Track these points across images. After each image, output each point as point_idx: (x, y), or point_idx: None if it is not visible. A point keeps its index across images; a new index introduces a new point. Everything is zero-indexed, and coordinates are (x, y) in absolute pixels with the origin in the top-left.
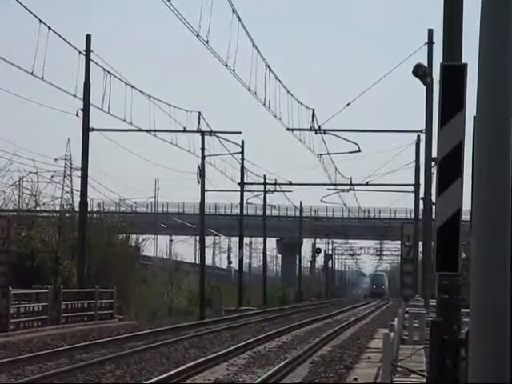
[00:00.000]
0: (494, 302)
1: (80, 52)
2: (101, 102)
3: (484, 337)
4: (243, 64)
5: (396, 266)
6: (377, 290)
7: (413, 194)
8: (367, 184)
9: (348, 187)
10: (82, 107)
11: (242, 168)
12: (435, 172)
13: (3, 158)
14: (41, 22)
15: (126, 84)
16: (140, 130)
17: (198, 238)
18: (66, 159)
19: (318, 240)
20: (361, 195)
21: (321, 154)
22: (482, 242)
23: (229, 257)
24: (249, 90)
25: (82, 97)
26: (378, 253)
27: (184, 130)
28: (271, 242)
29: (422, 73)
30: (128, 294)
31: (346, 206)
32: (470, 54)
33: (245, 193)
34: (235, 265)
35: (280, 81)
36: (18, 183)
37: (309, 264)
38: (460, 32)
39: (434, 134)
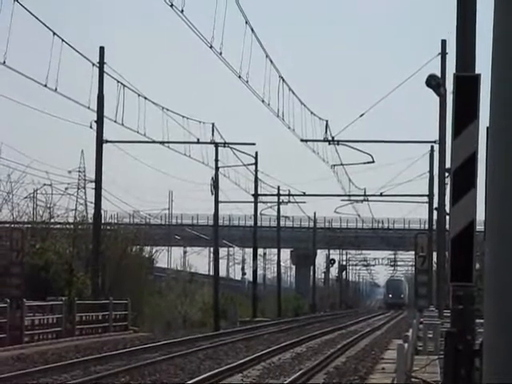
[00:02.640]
0: (509, 313)
1: (93, 64)
2: (114, 114)
3: (499, 347)
4: (256, 75)
5: (410, 277)
6: (394, 299)
7: (427, 205)
8: (381, 195)
9: (362, 198)
10: (95, 119)
11: (256, 179)
12: (449, 182)
13: (17, 171)
14: (54, 34)
15: (140, 95)
16: (153, 142)
17: (211, 249)
18: (79, 171)
19: (331, 251)
20: (375, 206)
21: (334, 165)
22: (496, 252)
23: (243, 268)
24: (262, 101)
25: (95, 108)
26: (392, 263)
27: (198, 142)
28: (285, 253)
29: (435, 83)
30: (142, 305)
31: (359, 216)
32: (484, 65)
33: (259, 204)
34: (249, 276)
35: (293, 92)
36: (32, 195)
37: (323, 275)
38: (473, 42)
39: (448, 145)
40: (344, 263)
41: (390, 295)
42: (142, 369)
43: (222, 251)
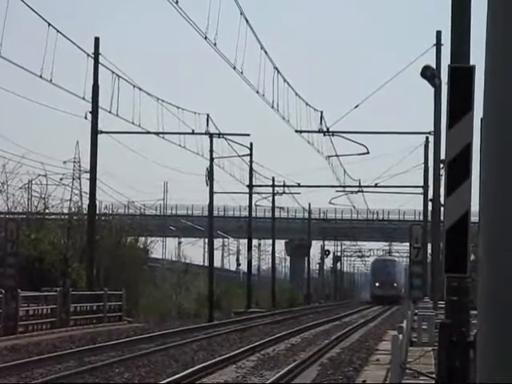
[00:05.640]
0: (503, 304)
1: (88, 55)
2: (109, 105)
3: (492, 339)
4: (251, 66)
5: (405, 267)
6: (383, 289)
7: (421, 196)
8: (376, 186)
9: (357, 189)
10: (90, 110)
11: (251, 170)
12: (444, 174)
13: (12, 161)
14: (49, 25)
15: (134, 86)
16: (148, 133)
17: (206, 240)
18: (74, 162)
19: (326, 242)
20: (369, 197)
21: (329, 156)
22: (490, 243)
23: (238, 259)
24: (257, 92)
25: (90, 99)
26: (387, 254)
27: (192, 133)
28: (280, 244)
29: (429, 74)
30: (137, 296)
31: (354, 207)
32: (479, 56)
33: (253, 195)
34: (244, 267)
35: (288, 83)
36: (27, 186)
37: (317, 266)
38: (468, 34)
39: (443, 136)
40: (339, 254)
41: (377, 284)
42: (136, 359)
43: (217, 242)
